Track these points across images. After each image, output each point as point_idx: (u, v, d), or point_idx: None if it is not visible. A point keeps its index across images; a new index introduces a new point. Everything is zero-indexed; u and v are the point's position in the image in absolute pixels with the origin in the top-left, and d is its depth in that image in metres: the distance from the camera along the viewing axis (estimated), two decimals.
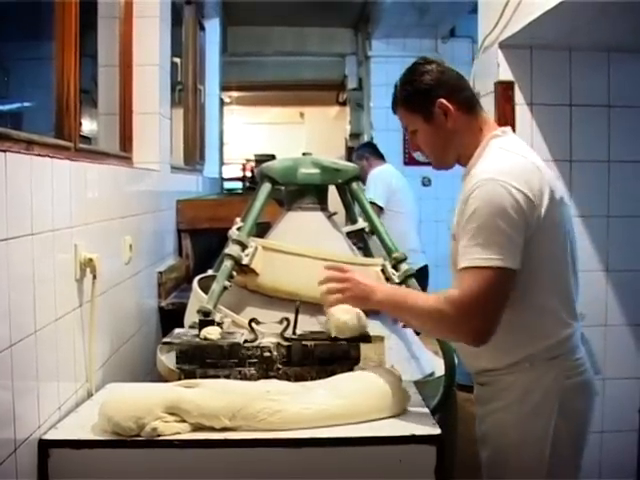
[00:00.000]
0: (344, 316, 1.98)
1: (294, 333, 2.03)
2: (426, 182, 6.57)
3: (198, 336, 2.04)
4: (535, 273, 1.71)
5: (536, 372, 1.75)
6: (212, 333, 2.04)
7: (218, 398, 1.73)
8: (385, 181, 4.99)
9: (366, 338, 2.05)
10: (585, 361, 1.81)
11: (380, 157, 5.27)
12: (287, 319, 2.03)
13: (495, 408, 1.80)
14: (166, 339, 2.07)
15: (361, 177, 5.10)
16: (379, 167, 5.15)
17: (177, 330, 2.17)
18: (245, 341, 2.02)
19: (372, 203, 4.44)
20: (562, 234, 1.77)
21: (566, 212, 1.80)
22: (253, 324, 2.05)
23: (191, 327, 2.18)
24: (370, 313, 2.37)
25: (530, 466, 1.75)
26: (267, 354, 2.00)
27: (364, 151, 5.35)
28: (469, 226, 1.67)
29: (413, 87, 1.86)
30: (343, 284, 1.88)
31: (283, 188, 2.67)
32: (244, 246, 2.39)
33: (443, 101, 1.82)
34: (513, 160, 1.75)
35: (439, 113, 1.83)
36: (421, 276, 4.09)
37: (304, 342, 2.01)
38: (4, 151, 1.53)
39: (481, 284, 1.64)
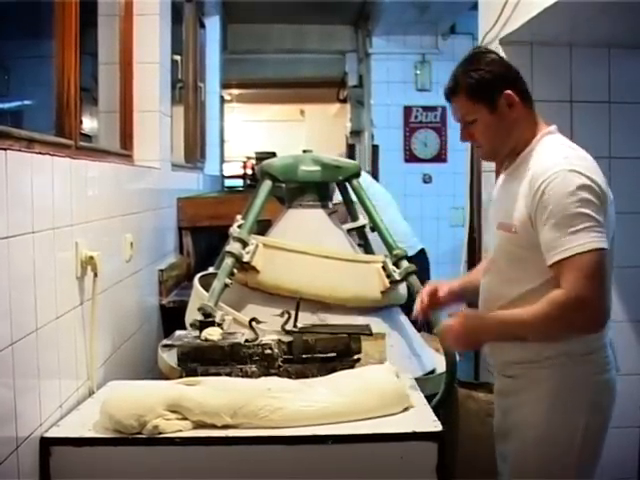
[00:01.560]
0: None
1: (295, 326, 2.03)
2: (427, 179, 6.57)
3: (199, 337, 2.04)
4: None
5: (571, 367, 1.76)
6: (213, 334, 2.04)
7: (219, 396, 1.74)
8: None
9: (367, 331, 2.05)
10: (612, 359, 1.83)
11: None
12: (288, 312, 2.04)
13: (525, 400, 1.80)
14: (167, 341, 2.08)
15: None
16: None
17: (178, 332, 2.18)
18: (246, 340, 2.02)
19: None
20: (612, 230, 1.79)
21: (613, 211, 1.81)
22: (253, 323, 2.05)
23: (192, 325, 2.18)
24: (371, 309, 2.38)
25: (558, 461, 1.76)
26: (268, 351, 2.00)
27: None
28: (554, 219, 1.68)
29: (480, 76, 1.83)
30: (454, 334, 1.86)
31: (284, 185, 2.67)
32: (245, 244, 2.39)
33: (510, 92, 1.82)
34: (581, 154, 1.78)
35: (504, 104, 1.82)
36: (420, 259, 4.09)
37: (305, 337, 2.01)
38: (5, 149, 1.53)
39: (588, 269, 1.65)
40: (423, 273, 3.46)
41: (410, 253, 2.66)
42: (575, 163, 1.71)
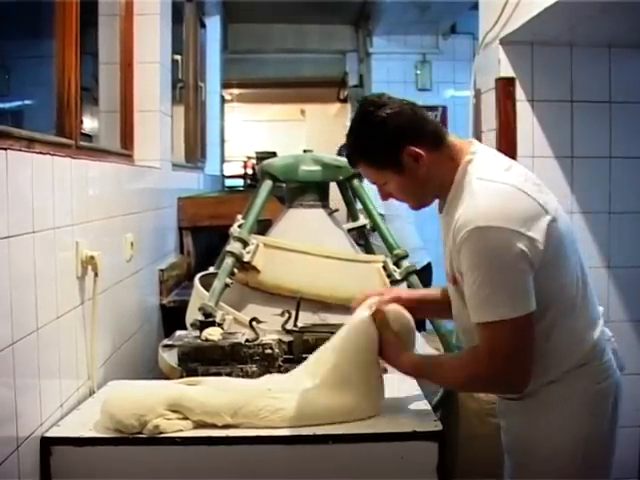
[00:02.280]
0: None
1: (295, 325, 2.04)
2: None
3: (199, 337, 2.04)
4: (554, 302, 1.63)
5: (567, 380, 1.68)
6: (213, 334, 2.04)
7: (220, 396, 1.74)
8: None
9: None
10: (612, 362, 1.75)
11: None
12: (288, 311, 2.04)
13: (526, 420, 1.73)
14: (167, 342, 2.08)
15: None
16: None
17: (178, 332, 2.18)
18: (246, 340, 2.02)
19: None
20: (567, 251, 1.65)
21: (564, 224, 1.66)
22: (254, 323, 2.05)
23: (192, 325, 2.18)
24: None
25: (564, 472, 1.69)
26: (269, 351, 2.00)
27: None
28: (471, 280, 1.56)
29: (373, 142, 1.67)
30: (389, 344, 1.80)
31: (284, 185, 2.67)
32: (245, 243, 2.39)
33: (412, 148, 1.65)
34: (494, 193, 1.57)
35: (409, 161, 1.65)
36: (425, 274, 4.08)
37: (305, 337, 2.01)
38: (5, 149, 1.53)
39: (504, 337, 1.55)
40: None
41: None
42: (488, 215, 1.53)
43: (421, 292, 2.19)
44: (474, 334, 1.65)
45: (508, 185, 1.59)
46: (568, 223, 1.69)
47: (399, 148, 1.65)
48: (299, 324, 2.06)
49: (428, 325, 2.77)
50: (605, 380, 1.72)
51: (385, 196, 1.76)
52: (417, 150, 1.65)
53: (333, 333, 2.02)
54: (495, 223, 1.52)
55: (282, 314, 2.04)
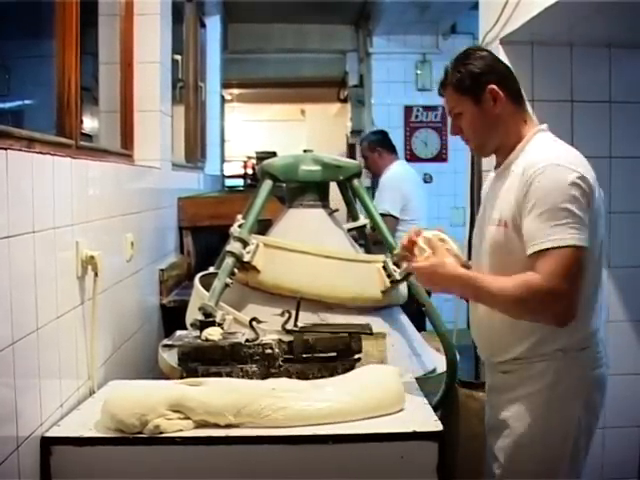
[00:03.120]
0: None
1: (295, 325, 2.03)
2: (427, 179, 6.56)
3: (199, 337, 2.04)
4: (588, 256, 1.74)
5: (566, 362, 1.78)
6: (213, 334, 2.04)
7: (222, 395, 1.74)
8: (399, 187, 4.67)
9: (367, 331, 2.05)
10: (604, 355, 1.85)
11: (393, 151, 4.90)
12: (289, 311, 2.04)
13: (520, 395, 1.82)
14: (167, 341, 2.08)
15: (371, 170, 4.88)
16: (391, 168, 4.78)
17: (178, 332, 2.18)
18: (246, 340, 2.02)
19: (388, 215, 4.27)
20: (601, 230, 1.82)
21: (603, 209, 1.84)
22: (254, 323, 2.05)
23: (192, 325, 2.18)
24: (371, 309, 2.37)
25: (553, 454, 1.78)
26: (269, 351, 2.00)
27: (376, 143, 4.87)
28: (538, 211, 1.70)
29: (466, 70, 1.88)
30: (427, 275, 1.86)
31: (284, 185, 2.67)
32: (245, 243, 2.39)
33: (494, 87, 1.86)
34: (572, 150, 1.82)
35: (488, 98, 1.86)
36: None
37: (305, 336, 2.01)
38: (5, 149, 1.53)
39: (565, 263, 1.67)
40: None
41: None
42: (565, 158, 1.76)
43: None
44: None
45: (578, 153, 1.82)
46: (604, 213, 1.85)
47: (485, 82, 1.86)
48: (299, 324, 2.06)
49: (428, 325, 2.76)
50: (599, 368, 1.82)
51: (455, 129, 1.95)
52: (498, 91, 1.86)
53: (333, 333, 2.03)
54: (570, 165, 1.73)
55: (282, 314, 2.04)
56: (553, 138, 1.88)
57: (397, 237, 2.84)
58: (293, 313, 2.06)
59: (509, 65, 1.97)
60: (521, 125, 1.90)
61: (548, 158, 1.75)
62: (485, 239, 1.90)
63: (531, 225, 1.72)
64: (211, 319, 2.14)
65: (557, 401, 1.78)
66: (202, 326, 2.09)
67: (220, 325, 2.12)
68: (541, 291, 1.68)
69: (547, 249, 1.68)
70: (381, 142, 4.90)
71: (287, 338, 2.03)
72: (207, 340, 2.01)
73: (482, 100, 1.87)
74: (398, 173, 4.80)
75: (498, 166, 1.94)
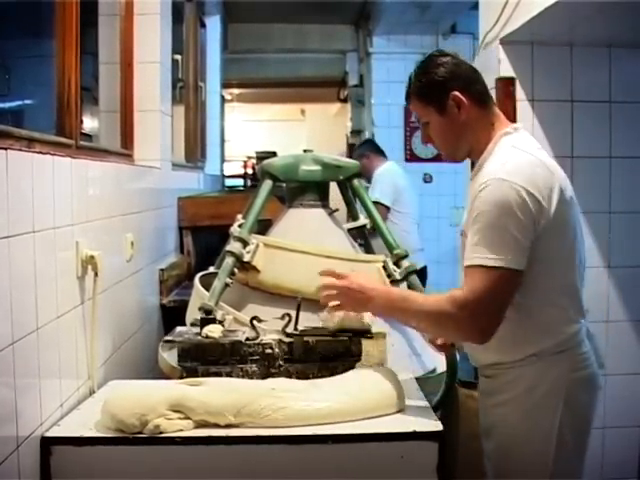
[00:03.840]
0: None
1: (295, 329, 2.03)
2: (427, 179, 6.57)
3: (200, 334, 2.04)
4: (545, 272, 1.73)
5: (543, 365, 1.76)
6: (214, 331, 2.04)
7: (223, 395, 1.74)
8: (392, 180, 4.92)
9: (367, 334, 2.05)
10: (590, 355, 1.83)
11: (381, 154, 5.19)
12: (289, 314, 2.04)
13: (500, 401, 1.81)
14: (168, 337, 2.08)
15: (363, 175, 4.98)
16: (383, 165, 5.06)
17: (179, 328, 2.17)
18: (247, 339, 2.02)
19: (378, 203, 4.44)
20: (571, 233, 1.78)
21: (575, 212, 1.80)
22: (254, 322, 2.05)
23: (192, 324, 2.18)
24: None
25: (536, 459, 1.77)
26: (269, 351, 2.00)
27: (365, 149, 5.25)
28: (476, 225, 1.68)
29: (427, 79, 1.85)
30: (340, 289, 1.88)
31: (284, 185, 2.67)
32: (245, 243, 2.39)
33: (457, 93, 1.81)
34: (523, 159, 1.74)
35: (452, 105, 1.82)
36: (420, 277, 4.09)
37: (305, 338, 2.01)
38: (5, 149, 1.53)
39: (486, 284, 1.65)
40: None
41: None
42: (512, 171, 1.69)
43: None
44: None
45: (537, 159, 1.76)
46: (578, 215, 1.82)
47: (447, 89, 1.82)
48: (299, 327, 2.06)
49: None
50: (581, 370, 1.79)
51: (426, 138, 1.93)
52: (462, 97, 1.82)
53: (334, 336, 2.02)
54: (515, 180, 1.67)
55: (282, 317, 2.04)
56: (514, 143, 1.80)
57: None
58: (293, 316, 2.05)
59: (475, 66, 1.91)
60: (489, 128, 1.85)
61: (496, 171, 1.70)
62: (462, 252, 1.87)
63: (469, 238, 1.71)
64: (211, 316, 2.14)
65: (535, 405, 1.76)
66: (202, 323, 2.08)
67: (221, 323, 2.12)
68: (460, 308, 1.67)
69: (474, 265, 1.67)
70: (369, 147, 5.24)
71: (287, 339, 2.03)
72: (207, 337, 2.01)
73: (446, 108, 1.83)
74: (389, 169, 5.05)
75: (472, 169, 1.91)
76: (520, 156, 1.75)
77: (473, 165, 1.91)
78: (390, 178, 4.95)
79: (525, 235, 1.67)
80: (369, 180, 4.91)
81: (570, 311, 1.80)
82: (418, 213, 5.09)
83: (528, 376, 1.77)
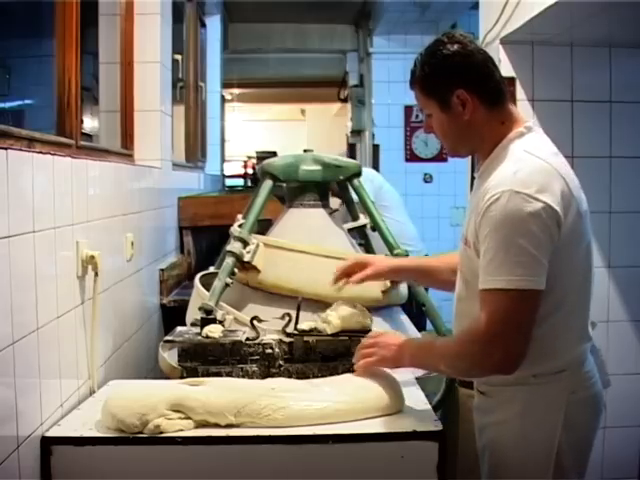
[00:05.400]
0: (346, 310, 1.98)
1: (296, 329, 2.03)
2: (427, 178, 6.57)
3: (200, 334, 2.04)
4: (554, 291, 1.57)
5: (539, 386, 1.63)
6: (214, 331, 2.04)
7: (223, 395, 1.74)
8: (369, 181, 4.83)
9: (367, 333, 2.05)
10: (594, 374, 1.70)
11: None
12: (289, 314, 2.04)
13: (495, 420, 1.69)
14: (168, 337, 2.08)
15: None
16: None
17: (179, 328, 2.18)
18: (247, 339, 2.02)
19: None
20: (584, 250, 1.64)
21: (588, 226, 1.65)
22: (255, 322, 2.05)
23: (193, 324, 2.18)
24: (372, 309, 2.37)
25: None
26: (269, 351, 2.00)
27: None
28: (490, 244, 1.53)
29: (432, 70, 1.67)
30: (371, 349, 1.83)
31: (284, 185, 2.67)
32: (246, 243, 2.39)
33: (462, 91, 1.64)
34: (536, 167, 1.57)
35: (457, 103, 1.65)
36: None
37: (306, 338, 2.01)
38: (6, 149, 1.53)
39: (506, 308, 1.51)
40: None
41: None
42: (526, 182, 1.52)
43: (414, 262, 2.18)
44: (469, 305, 1.66)
45: (552, 167, 1.58)
46: (589, 229, 1.67)
47: (452, 87, 1.64)
48: (300, 326, 2.06)
49: (428, 325, 2.76)
50: (582, 391, 1.66)
51: (428, 128, 1.77)
52: (467, 97, 1.64)
53: (334, 336, 2.02)
54: (529, 192, 1.51)
55: (282, 317, 2.04)
56: (526, 147, 1.62)
57: None
58: (293, 316, 2.05)
59: (488, 57, 1.69)
60: (497, 127, 1.67)
61: (506, 182, 1.53)
62: (461, 257, 1.75)
63: (483, 258, 1.55)
64: (212, 316, 2.14)
65: (531, 427, 1.63)
66: (203, 323, 2.08)
67: (221, 322, 2.12)
68: (478, 341, 1.55)
69: (490, 289, 1.52)
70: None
71: (288, 339, 2.03)
72: (208, 337, 2.01)
73: (450, 105, 1.66)
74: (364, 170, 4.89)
75: (478, 169, 1.75)
76: (533, 163, 1.57)
77: (474, 160, 1.83)
78: (364, 177, 4.84)
79: (542, 252, 1.51)
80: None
81: (577, 332, 1.67)
82: (403, 205, 4.96)
83: (523, 396, 1.64)
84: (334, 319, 1.99)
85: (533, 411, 1.63)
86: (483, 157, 1.71)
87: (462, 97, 1.64)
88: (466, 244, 1.68)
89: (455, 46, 1.65)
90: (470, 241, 1.64)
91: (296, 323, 2.03)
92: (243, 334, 2.05)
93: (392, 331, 1.97)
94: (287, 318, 2.03)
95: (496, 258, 1.52)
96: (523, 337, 1.53)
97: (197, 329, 2.08)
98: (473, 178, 1.84)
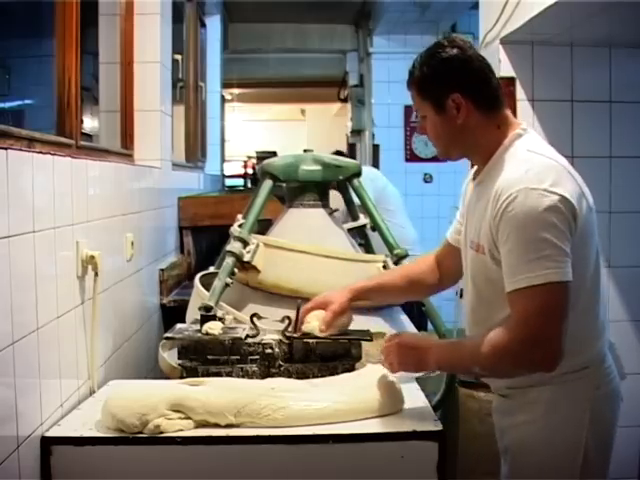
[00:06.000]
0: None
1: (295, 331, 2.03)
2: (427, 179, 6.57)
3: (200, 331, 2.04)
4: (579, 282, 1.57)
5: (564, 385, 1.63)
6: (214, 328, 2.04)
7: (223, 395, 1.74)
8: (370, 180, 4.74)
9: (367, 337, 2.04)
10: (613, 369, 1.72)
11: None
12: (288, 317, 2.03)
13: (520, 421, 1.68)
14: (168, 334, 2.07)
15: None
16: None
17: (179, 325, 2.17)
18: (247, 336, 2.02)
19: None
20: (595, 243, 1.65)
21: (594, 221, 1.66)
22: (255, 319, 2.05)
23: (193, 322, 2.18)
24: (372, 309, 2.37)
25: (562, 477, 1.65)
26: (269, 351, 2.00)
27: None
28: (513, 243, 1.53)
29: (429, 72, 1.68)
30: (391, 349, 1.79)
31: (284, 185, 2.67)
32: (245, 243, 2.39)
33: (458, 95, 1.65)
34: (545, 164, 1.58)
35: (451, 107, 1.66)
36: None
37: (306, 340, 2.01)
38: (6, 149, 1.53)
39: (542, 303, 1.51)
40: None
41: None
42: (539, 178, 1.54)
43: (373, 280, 2.11)
44: (483, 313, 1.67)
45: (559, 164, 1.61)
46: (595, 224, 1.67)
47: (448, 90, 1.65)
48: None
49: (428, 325, 2.76)
50: (605, 386, 1.68)
51: (421, 129, 1.77)
52: (462, 101, 1.65)
53: (334, 339, 2.02)
54: (544, 187, 1.52)
55: (282, 320, 2.03)
56: (529, 147, 1.64)
57: None
58: (292, 317, 2.05)
59: (485, 61, 1.72)
60: (493, 132, 1.68)
61: (521, 180, 1.54)
62: (467, 262, 1.76)
63: (506, 259, 1.55)
64: (212, 313, 2.13)
65: (558, 426, 1.64)
66: (203, 320, 2.08)
67: (221, 320, 2.12)
68: (516, 340, 1.53)
69: (521, 288, 1.51)
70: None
71: (288, 341, 2.03)
72: (207, 334, 2.01)
73: (444, 108, 1.66)
74: (365, 170, 4.80)
75: (476, 175, 1.75)
76: (541, 161, 1.59)
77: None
78: (367, 178, 4.74)
79: (566, 244, 1.51)
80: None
81: (596, 327, 1.68)
82: (405, 207, 4.93)
83: (547, 397, 1.64)
84: (313, 320, 1.98)
85: (559, 409, 1.63)
86: (481, 162, 1.72)
87: (457, 101, 1.65)
88: (478, 251, 1.67)
89: (454, 50, 1.67)
90: (483, 247, 1.64)
91: (295, 326, 2.03)
92: (243, 331, 2.04)
93: (410, 332, 1.93)
94: (287, 321, 2.02)
95: (524, 256, 1.51)
96: (562, 330, 1.52)
97: (197, 326, 2.07)
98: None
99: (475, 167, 1.79)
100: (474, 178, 1.77)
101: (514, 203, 1.52)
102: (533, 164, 1.58)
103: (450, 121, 1.67)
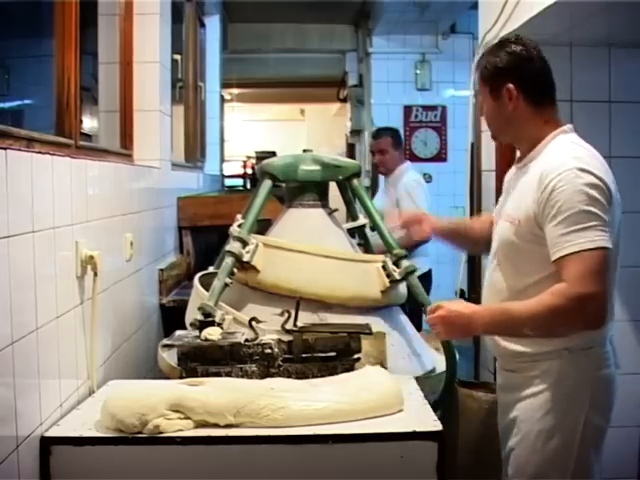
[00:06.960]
0: None
1: (295, 326, 2.03)
2: (427, 179, 6.56)
3: (199, 337, 2.04)
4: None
5: (570, 360, 1.79)
6: (213, 334, 2.04)
7: (222, 395, 1.74)
8: (425, 189, 4.54)
9: (367, 330, 2.05)
10: (610, 355, 1.87)
11: (401, 152, 4.63)
12: (288, 311, 2.04)
13: (527, 394, 1.84)
14: (167, 341, 2.08)
15: (385, 166, 4.66)
16: (406, 167, 4.53)
17: (178, 332, 2.17)
18: (246, 340, 2.02)
19: None
20: (616, 232, 1.82)
21: (619, 214, 1.86)
22: (253, 323, 2.05)
23: (192, 325, 2.18)
24: (371, 309, 2.38)
25: (558, 456, 1.79)
26: (268, 351, 2.00)
27: (398, 140, 4.58)
28: (562, 215, 1.71)
29: (491, 62, 1.93)
30: (438, 320, 1.88)
31: (284, 185, 2.67)
32: (245, 243, 2.39)
33: (511, 87, 1.88)
34: (591, 154, 1.82)
35: (504, 95, 1.89)
36: (425, 280, 4.03)
37: (305, 336, 2.01)
38: (5, 149, 1.53)
39: (593, 266, 1.69)
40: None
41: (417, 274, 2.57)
42: (586, 162, 1.75)
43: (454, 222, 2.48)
44: (508, 279, 1.86)
45: (600, 157, 1.83)
46: (618, 219, 1.86)
47: (504, 80, 1.90)
48: (299, 324, 2.06)
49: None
50: (606, 368, 1.83)
51: (480, 111, 2.11)
52: (515, 92, 1.88)
53: (333, 333, 2.02)
54: (591, 169, 1.74)
55: (282, 314, 2.04)
56: (573, 140, 1.87)
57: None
58: (293, 313, 2.05)
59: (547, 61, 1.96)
60: (539, 126, 1.90)
61: (567, 162, 1.75)
62: (497, 234, 1.95)
63: (555, 231, 1.73)
64: (210, 319, 2.14)
65: (562, 400, 1.79)
66: (201, 326, 2.08)
67: (219, 325, 2.12)
68: (571, 297, 1.68)
69: (573, 253, 1.69)
70: (401, 142, 4.68)
71: (286, 338, 2.03)
72: (206, 340, 2.01)
73: (499, 96, 1.90)
74: (417, 175, 4.63)
75: (520, 160, 1.98)
76: (587, 151, 1.82)
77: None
78: (423, 186, 4.53)
79: (608, 216, 1.73)
80: (385, 173, 4.54)
81: (611, 305, 1.82)
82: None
83: (555, 370, 1.80)
84: None
85: (566, 383, 1.79)
86: (526, 151, 1.94)
87: (511, 91, 1.88)
88: (512, 223, 1.86)
89: (519, 47, 1.92)
90: (518, 219, 1.83)
91: (295, 320, 2.03)
92: (242, 335, 2.04)
93: (459, 300, 2.03)
94: (286, 315, 2.03)
95: (571, 224, 1.70)
96: (605, 291, 1.71)
97: (196, 332, 2.07)
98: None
99: (519, 154, 2.01)
100: (517, 162, 1.99)
101: (562, 181, 1.72)
102: (579, 152, 1.80)
103: (502, 107, 1.91)
